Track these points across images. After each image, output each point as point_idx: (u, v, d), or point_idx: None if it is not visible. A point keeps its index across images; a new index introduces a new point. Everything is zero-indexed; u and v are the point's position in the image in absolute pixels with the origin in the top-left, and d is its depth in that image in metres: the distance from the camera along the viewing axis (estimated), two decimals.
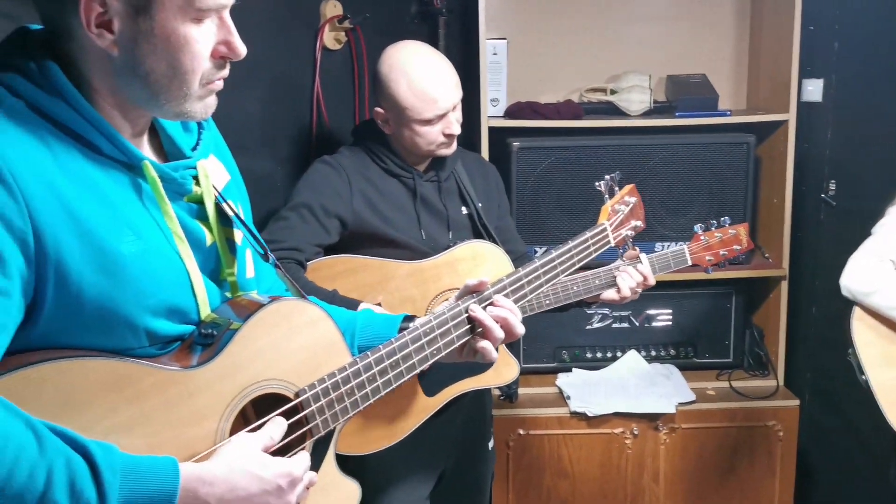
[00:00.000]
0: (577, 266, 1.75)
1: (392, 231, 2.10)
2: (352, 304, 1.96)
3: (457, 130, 2.12)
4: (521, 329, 1.49)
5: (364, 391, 1.31)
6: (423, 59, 2.09)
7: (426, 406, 2.04)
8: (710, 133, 2.94)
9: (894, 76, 2.78)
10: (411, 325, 1.47)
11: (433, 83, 2.05)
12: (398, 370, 1.36)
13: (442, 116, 2.08)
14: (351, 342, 1.50)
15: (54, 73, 1.08)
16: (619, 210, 1.92)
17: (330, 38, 2.53)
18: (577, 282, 2.13)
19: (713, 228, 2.19)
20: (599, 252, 1.83)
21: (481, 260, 2.12)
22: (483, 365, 2.11)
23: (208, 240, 1.26)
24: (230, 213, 1.29)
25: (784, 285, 3.01)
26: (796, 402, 2.95)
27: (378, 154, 2.15)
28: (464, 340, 1.46)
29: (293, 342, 1.24)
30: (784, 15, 2.90)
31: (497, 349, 1.48)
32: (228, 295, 1.29)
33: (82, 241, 1.06)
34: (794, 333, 3.09)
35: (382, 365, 1.33)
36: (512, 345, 2.12)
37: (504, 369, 2.16)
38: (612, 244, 1.89)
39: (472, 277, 1.94)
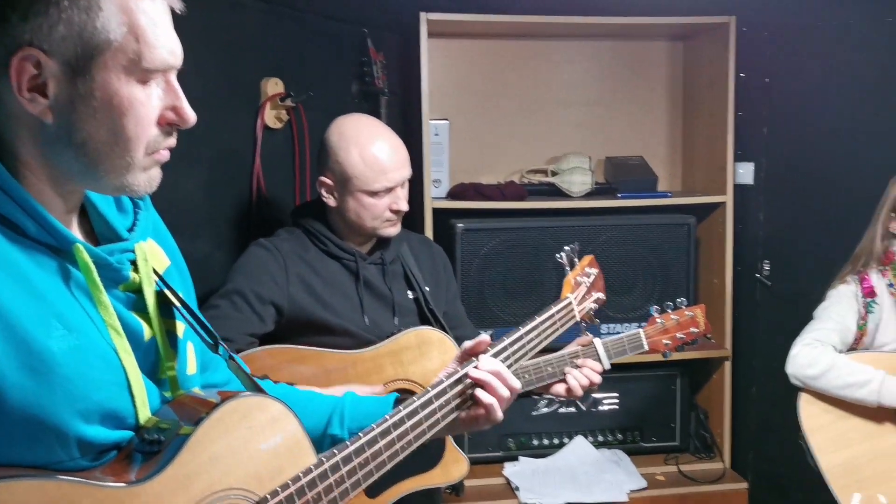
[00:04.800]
0: (544, 345, 1.67)
1: (332, 317, 1.98)
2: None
3: (404, 207, 2.05)
4: (516, 381, 1.46)
5: (332, 495, 1.18)
6: (375, 130, 2.04)
7: None
8: (652, 214, 2.96)
9: (820, 159, 2.86)
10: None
11: (385, 154, 1.99)
12: (367, 469, 1.24)
13: (390, 190, 2.01)
14: (340, 425, 1.43)
15: None
16: (582, 282, 1.86)
17: (271, 117, 2.45)
18: (528, 369, 1.97)
19: (669, 311, 2.03)
20: (566, 328, 1.76)
21: (427, 348, 2.00)
22: (430, 462, 2.00)
23: (147, 334, 1.11)
24: (172, 302, 1.17)
25: (727, 366, 3.00)
26: (744, 485, 2.92)
27: (318, 235, 2.05)
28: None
29: (252, 445, 1.11)
30: (717, 101, 2.97)
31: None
32: (167, 394, 1.15)
33: (5, 335, 0.91)
34: (737, 414, 3.07)
35: (351, 465, 1.21)
36: (456, 436, 2.02)
37: (453, 466, 2.02)
38: (578, 318, 1.82)
39: (418, 367, 1.85)
